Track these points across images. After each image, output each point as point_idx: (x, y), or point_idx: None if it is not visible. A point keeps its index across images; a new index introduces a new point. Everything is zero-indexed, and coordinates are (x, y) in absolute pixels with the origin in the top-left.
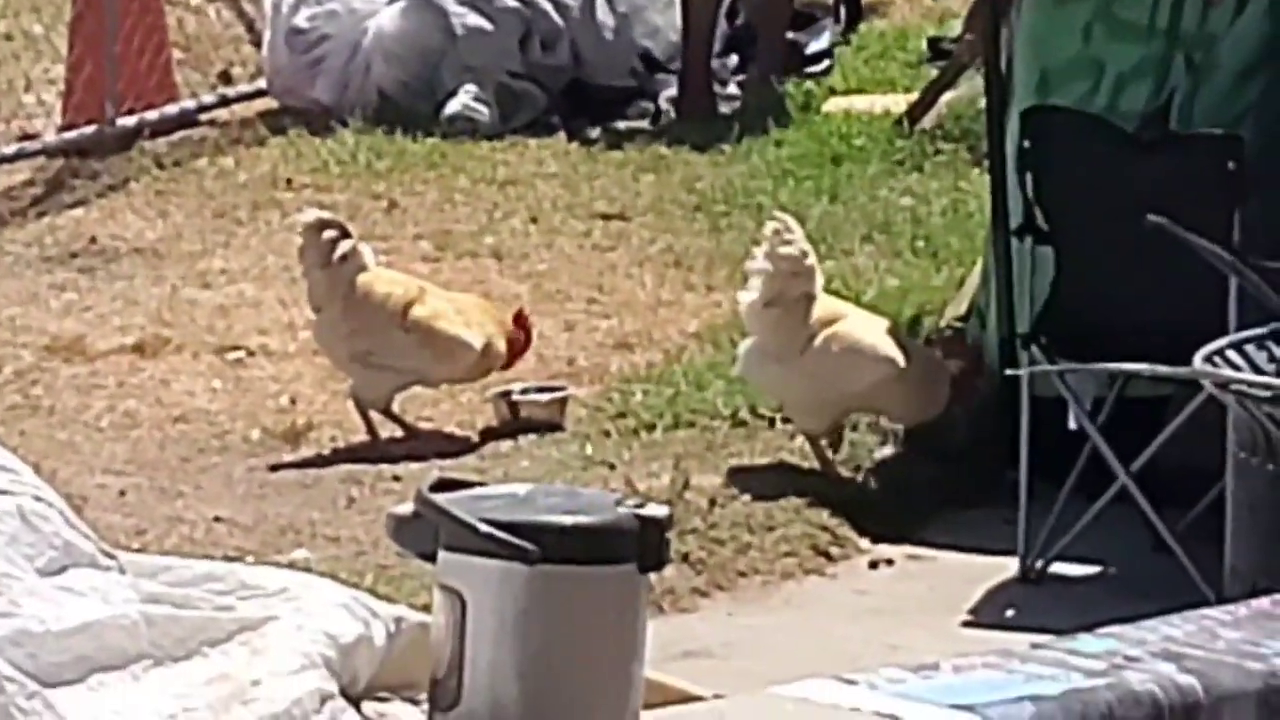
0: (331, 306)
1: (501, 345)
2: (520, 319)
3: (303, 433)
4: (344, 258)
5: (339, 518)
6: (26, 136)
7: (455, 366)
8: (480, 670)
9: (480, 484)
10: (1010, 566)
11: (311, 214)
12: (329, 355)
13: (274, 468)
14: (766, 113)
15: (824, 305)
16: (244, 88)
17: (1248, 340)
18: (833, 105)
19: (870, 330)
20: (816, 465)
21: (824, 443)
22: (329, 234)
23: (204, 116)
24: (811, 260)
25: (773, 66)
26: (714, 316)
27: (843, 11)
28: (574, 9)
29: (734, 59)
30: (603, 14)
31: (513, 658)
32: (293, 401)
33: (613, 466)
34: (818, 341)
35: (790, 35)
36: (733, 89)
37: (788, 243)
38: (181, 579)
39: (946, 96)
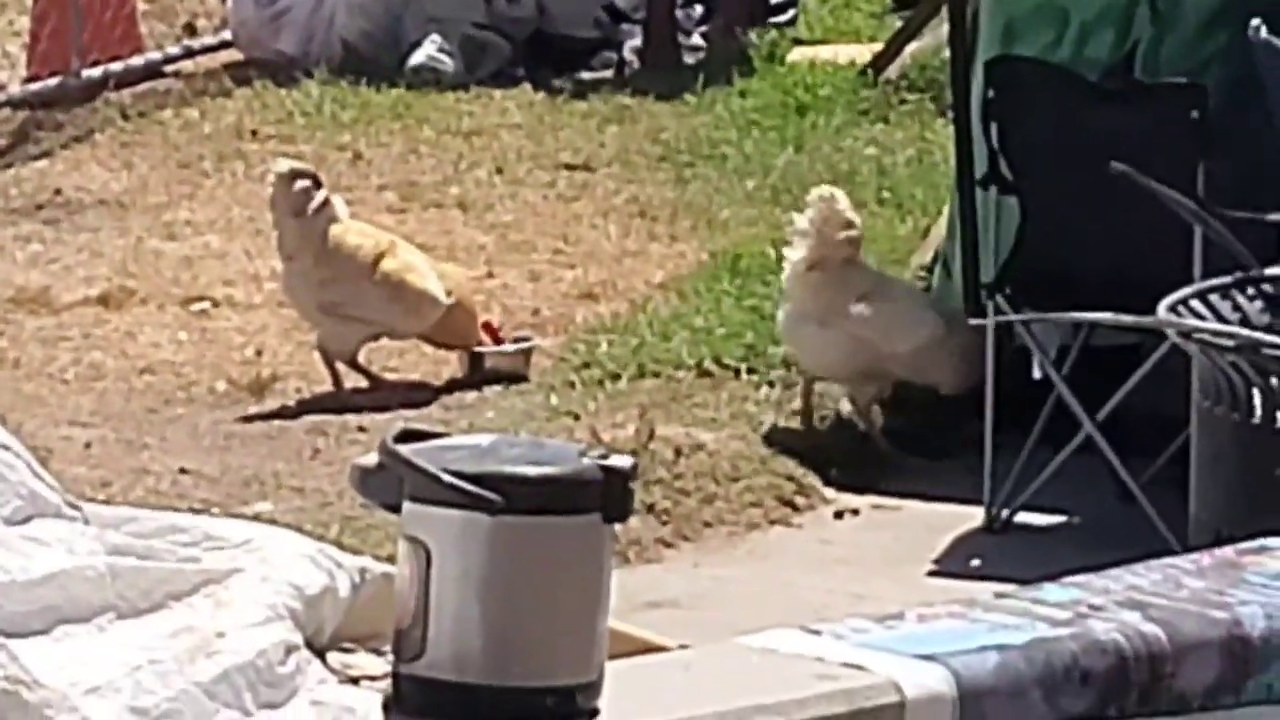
0: (303, 256)
1: (474, 313)
2: (490, 330)
3: (268, 384)
4: (318, 208)
5: (304, 469)
6: None
7: (422, 320)
8: (445, 621)
9: (445, 435)
10: (975, 516)
11: (284, 164)
12: (297, 305)
13: (240, 419)
14: (731, 63)
15: (866, 272)
16: (209, 39)
17: (1212, 289)
18: (797, 55)
19: (912, 298)
20: (775, 416)
21: (873, 409)
22: (301, 184)
23: (169, 68)
24: (858, 227)
25: (737, 16)
26: (679, 267)
27: None
28: None
29: (698, 9)
30: None
31: (477, 608)
32: (258, 353)
33: (577, 417)
34: (859, 308)
35: None
36: (697, 39)
37: (835, 208)
38: (146, 531)
39: (911, 46)
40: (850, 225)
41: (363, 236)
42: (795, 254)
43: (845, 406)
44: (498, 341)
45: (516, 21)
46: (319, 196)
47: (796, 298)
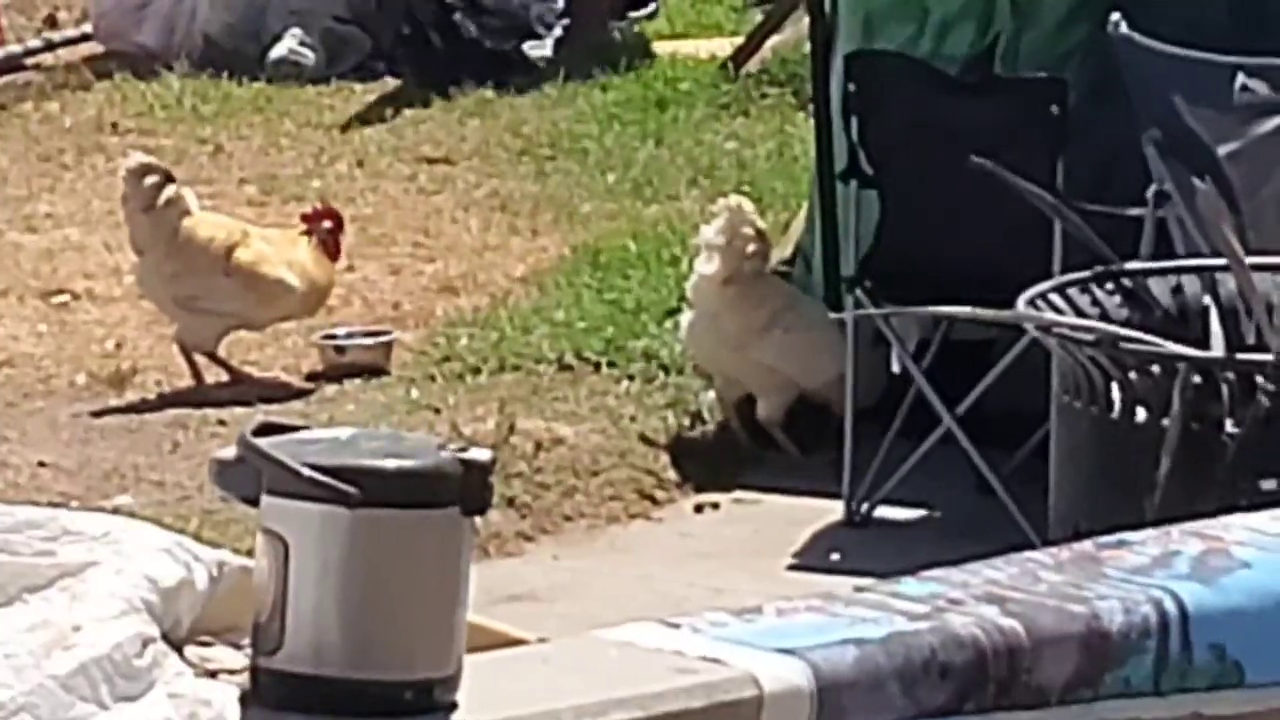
0: (154, 250)
1: (322, 280)
2: (316, 216)
3: (128, 377)
4: (168, 202)
5: (164, 462)
6: None
7: (278, 308)
8: (303, 614)
9: (304, 428)
10: (835, 510)
11: (134, 158)
12: (153, 299)
13: (99, 413)
14: (594, 57)
15: (776, 286)
16: (70, 32)
17: (1071, 284)
18: (659, 49)
19: (824, 324)
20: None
21: (779, 426)
22: (151, 179)
23: (29, 61)
24: (767, 238)
25: (598, 8)
26: (540, 261)
27: None
28: None
29: (559, 3)
30: None
31: (335, 601)
32: (118, 346)
33: (438, 411)
34: (775, 334)
35: None
36: (559, 32)
37: (746, 219)
38: (2, 525)
39: (772, 40)
40: (761, 236)
41: (214, 229)
42: (707, 267)
43: (707, 399)
44: (333, 217)
45: (377, 16)
46: (169, 190)
47: (709, 313)
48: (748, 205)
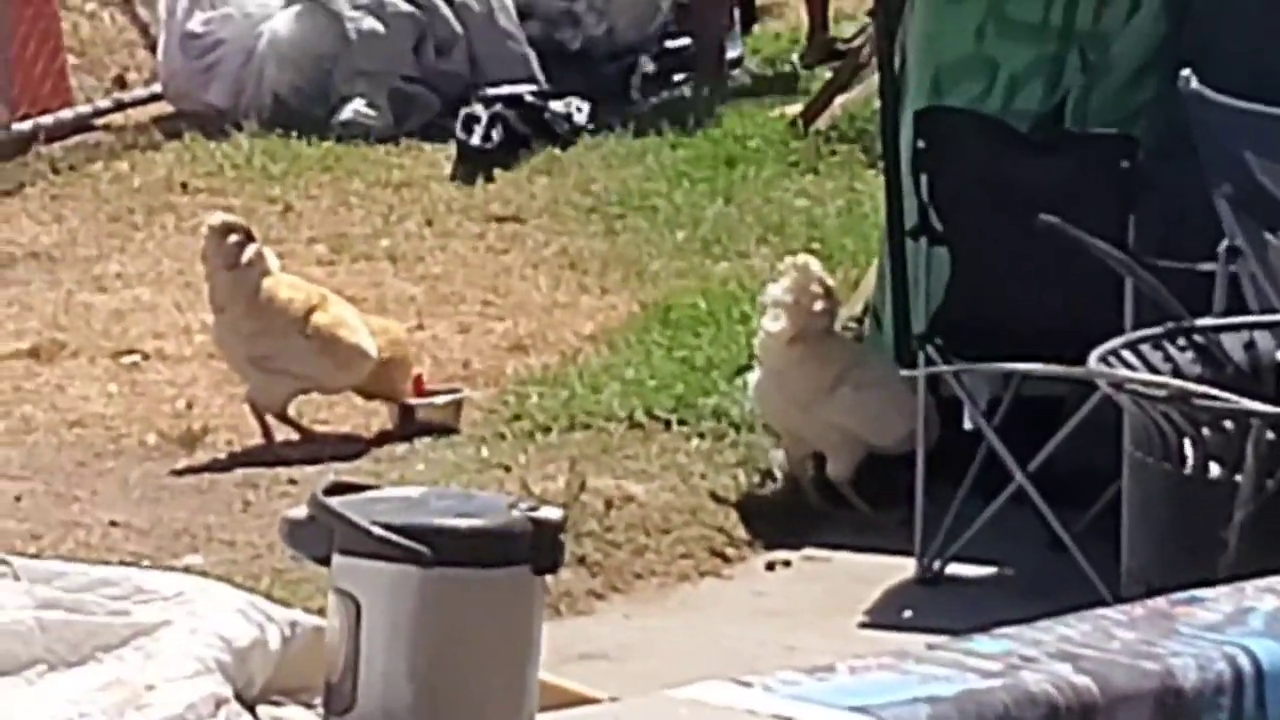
0: (233, 309)
1: (408, 365)
2: (418, 383)
3: (198, 437)
4: (249, 262)
5: (235, 522)
6: None
7: (353, 375)
8: (375, 674)
9: (375, 487)
10: (907, 567)
11: (217, 217)
12: (227, 357)
13: (170, 472)
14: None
15: (843, 344)
16: (139, 92)
17: (1143, 340)
18: (725, 107)
19: (892, 381)
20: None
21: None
22: (234, 237)
23: (99, 121)
24: (835, 295)
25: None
26: (609, 319)
27: (736, 14)
28: (473, 12)
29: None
30: (503, 20)
31: (407, 661)
32: (189, 406)
33: (508, 469)
34: (843, 392)
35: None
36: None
37: (814, 277)
38: (77, 584)
39: (841, 97)
40: (829, 294)
41: (294, 290)
42: (774, 325)
43: (777, 457)
44: (424, 394)
45: (447, 75)
46: (251, 249)
47: (776, 371)
48: (815, 263)
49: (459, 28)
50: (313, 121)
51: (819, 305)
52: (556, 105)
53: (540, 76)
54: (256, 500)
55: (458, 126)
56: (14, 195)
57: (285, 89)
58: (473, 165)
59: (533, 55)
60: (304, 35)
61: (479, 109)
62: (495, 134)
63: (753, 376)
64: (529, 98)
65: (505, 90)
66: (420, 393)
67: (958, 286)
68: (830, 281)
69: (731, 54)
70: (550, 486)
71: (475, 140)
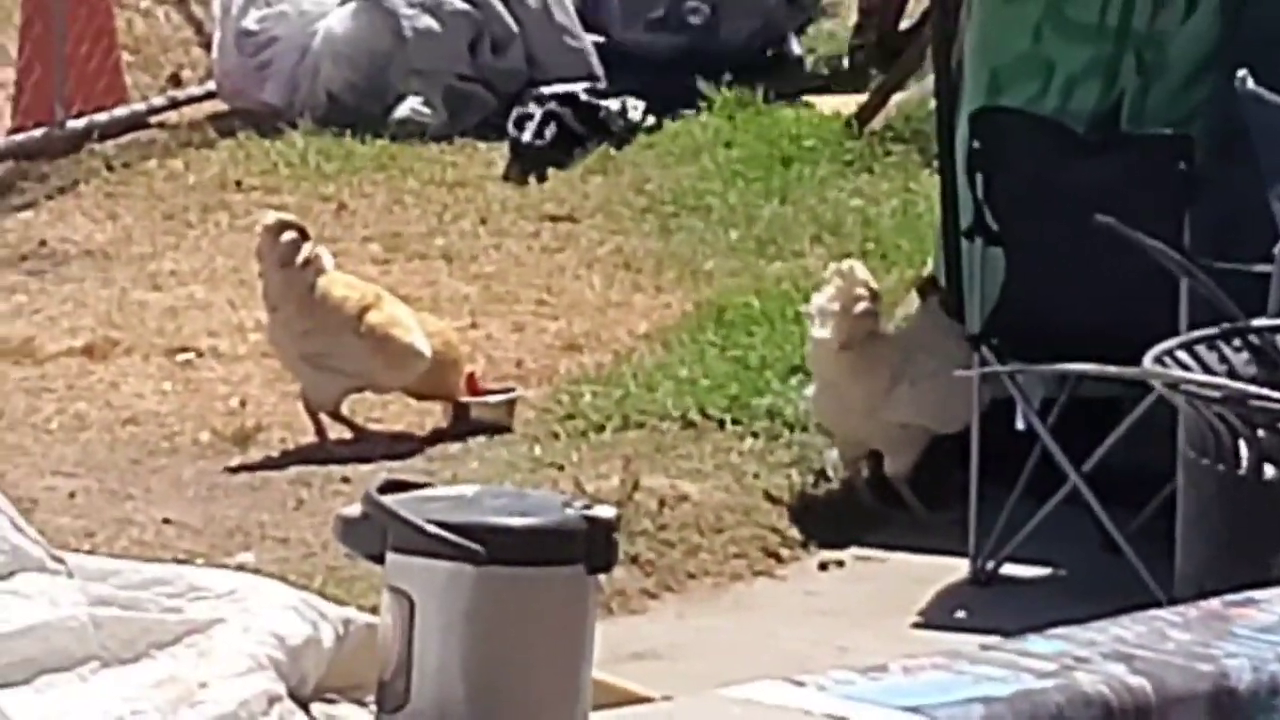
0: (286, 307)
1: (461, 365)
2: (471, 381)
3: (252, 435)
4: (305, 260)
5: (288, 519)
6: None
7: (406, 374)
8: (428, 672)
9: (428, 485)
10: (960, 568)
11: (272, 215)
12: (280, 355)
13: (224, 470)
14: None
15: (892, 343)
16: (193, 90)
17: (1198, 341)
18: (784, 106)
19: (949, 366)
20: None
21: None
22: (289, 235)
23: (153, 119)
24: (880, 297)
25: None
26: (663, 318)
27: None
28: (530, 9)
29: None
30: (560, 17)
31: (460, 659)
32: (242, 403)
33: (561, 468)
34: (900, 390)
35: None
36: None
37: (859, 281)
38: (130, 582)
39: (896, 97)
40: (874, 296)
41: (348, 289)
42: (821, 333)
43: (831, 457)
44: (477, 393)
45: (503, 73)
46: (306, 248)
47: (830, 379)
48: (860, 268)
49: (515, 26)
50: (367, 120)
51: (862, 307)
52: (611, 103)
53: (600, 74)
54: (309, 498)
55: (510, 124)
56: (68, 193)
57: (340, 87)
58: (526, 163)
59: (592, 52)
60: (359, 33)
61: (532, 107)
62: (548, 132)
63: (809, 390)
64: (584, 95)
65: (560, 88)
66: (474, 391)
67: (1013, 287)
68: (874, 284)
69: (798, 51)
70: (604, 485)
71: (527, 137)
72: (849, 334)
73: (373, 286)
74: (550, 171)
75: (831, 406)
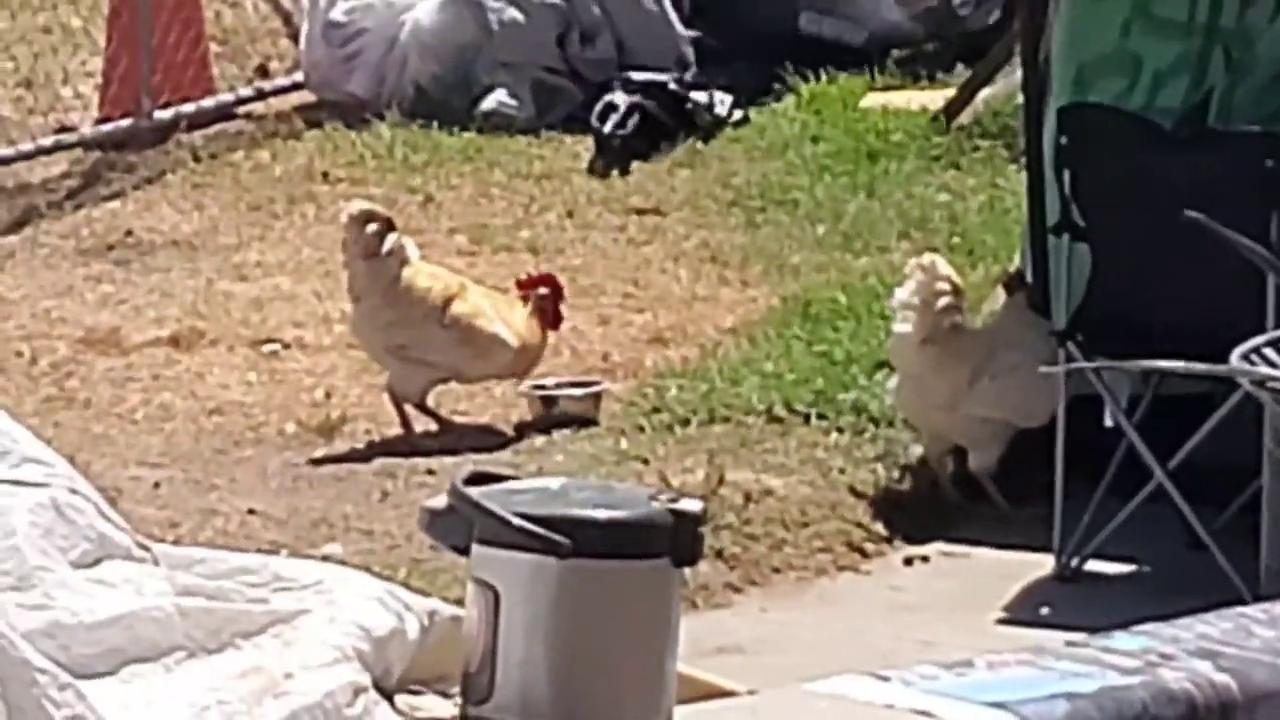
0: (371, 298)
1: (536, 340)
2: (532, 282)
3: (337, 426)
4: (389, 251)
5: (373, 511)
6: (63, 129)
7: (491, 364)
8: (512, 664)
9: (514, 478)
10: (1045, 564)
11: (357, 205)
12: (365, 346)
13: (309, 461)
14: None
15: (975, 337)
16: (280, 81)
17: None
18: (870, 101)
19: (1031, 361)
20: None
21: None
22: (374, 226)
23: (240, 110)
24: (962, 290)
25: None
26: (749, 312)
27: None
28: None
29: None
30: (650, 3)
31: (545, 651)
32: (327, 395)
33: (647, 461)
34: (983, 385)
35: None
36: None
37: (940, 276)
38: (215, 571)
39: (984, 93)
40: (956, 291)
41: (433, 279)
42: (903, 327)
43: (916, 452)
44: (553, 286)
45: (592, 63)
46: (392, 239)
47: (913, 376)
48: (941, 263)
49: (603, 15)
50: (454, 112)
51: (944, 302)
52: (699, 95)
53: (692, 62)
54: (394, 490)
55: (594, 116)
56: (155, 183)
57: (427, 79)
58: (609, 155)
59: (685, 40)
60: (447, 25)
61: (618, 97)
62: (631, 123)
63: (892, 382)
64: (671, 86)
65: (646, 77)
66: (541, 284)
67: (1099, 283)
68: (957, 278)
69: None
70: (689, 479)
71: (608, 128)
72: (930, 328)
73: (457, 276)
74: (636, 164)
75: (913, 401)
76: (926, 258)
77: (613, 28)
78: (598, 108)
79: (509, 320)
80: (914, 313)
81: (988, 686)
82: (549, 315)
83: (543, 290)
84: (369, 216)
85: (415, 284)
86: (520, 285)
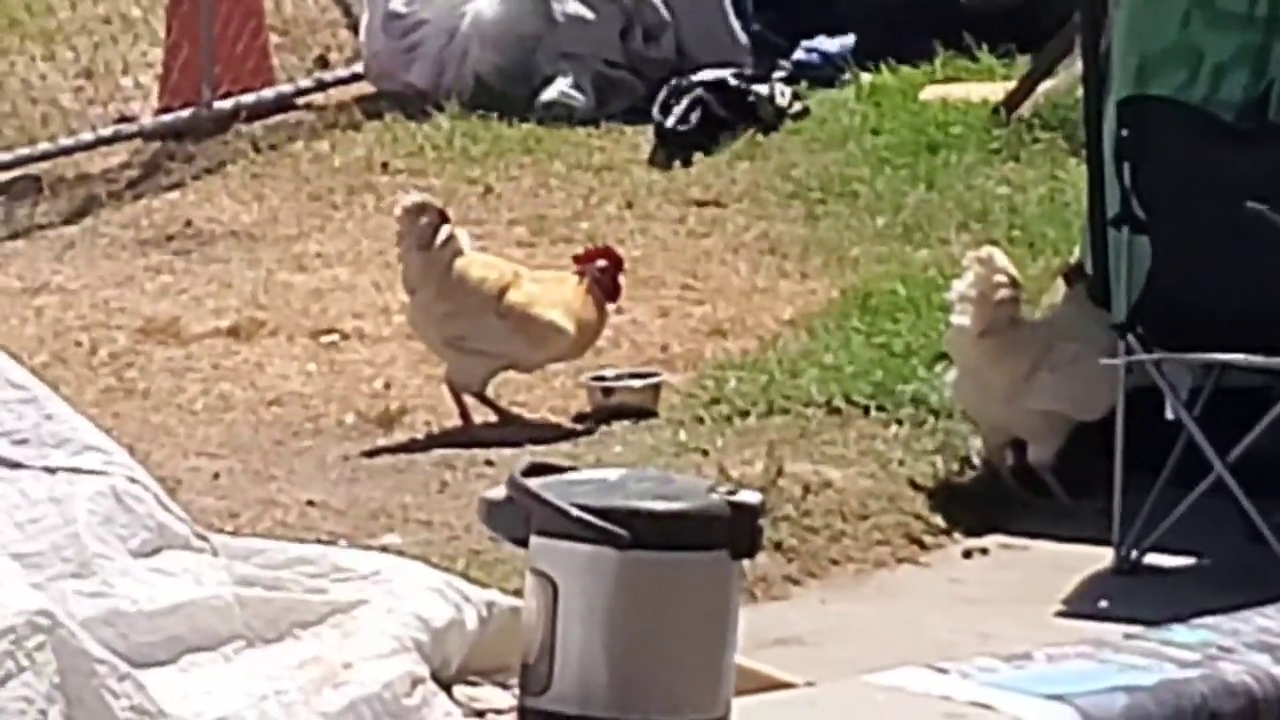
0: (426, 290)
1: (592, 322)
2: (590, 256)
3: (396, 417)
4: (443, 243)
5: (431, 502)
6: (123, 119)
7: (549, 350)
8: (571, 655)
9: (573, 469)
10: (1104, 557)
11: (410, 197)
12: (423, 339)
13: (367, 452)
14: None
15: (1033, 330)
16: (340, 72)
17: None
18: (930, 93)
19: (1090, 353)
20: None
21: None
22: (427, 218)
23: (300, 100)
24: (1020, 284)
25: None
26: (809, 304)
27: None
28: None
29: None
30: (711, 3)
31: (603, 643)
32: (386, 386)
33: (706, 453)
34: (1041, 377)
35: None
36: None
37: (998, 269)
38: (274, 562)
39: (1044, 85)
40: (1013, 284)
41: (486, 269)
42: (960, 320)
43: (975, 444)
44: (611, 258)
45: (653, 62)
46: (444, 231)
47: (970, 367)
48: (999, 255)
49: (667, 14)
50: (514, 103)
51: (1001, 294)
52: (760, 88)
53: (749, 62)
54: (453, 481)
55: (656, 109)
56: (215, 173)
57: (487, 70)
58: (671, 148)
59: (744, 38)
60: (508, 17)
61: (679, 91)
62: (694, 117)
63: (950, 375)
64: (732, 80)
65: (709, 74)
66: (598, 257)
67: (1159, 275)
68: (1014, 271)
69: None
70: (748, 471)
71: (670, 122)
72: (988, 321)
73: (511, 265)
74: (697, 157)
75: (972, 393)
76: (984, 251)
77: (675, 28)
78: (660, 100)
79: (564, 302)
80: (971, 306)
81: (1046, 679)
82: (607, 288)
83: (601, 263)
84: (422, 209)
85: (469, 275)
86: (578, 259)
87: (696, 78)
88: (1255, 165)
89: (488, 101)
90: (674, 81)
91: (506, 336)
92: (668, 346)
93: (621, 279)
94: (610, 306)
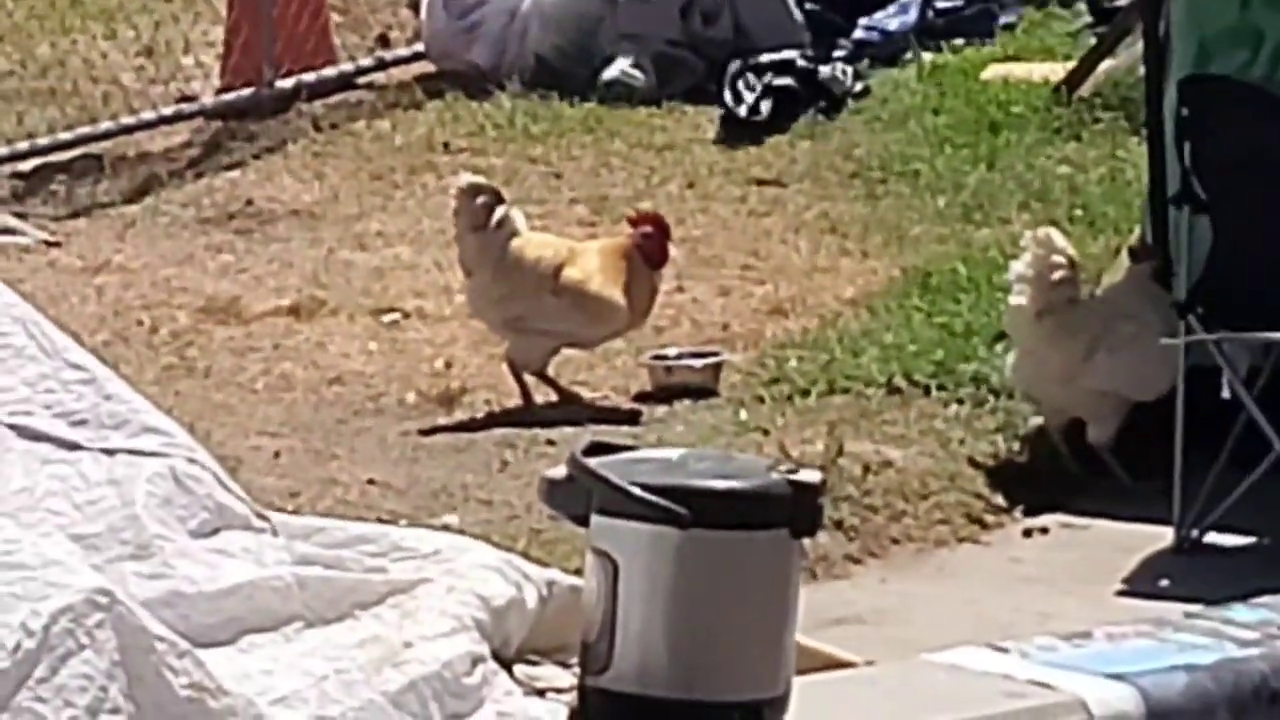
0: (482, 271)
1: (642, 291)
2: (640, 221)
3: (457, 396)
4: (498, 224)
5: (492, 481)
6: (185, 98)
7: (607, 326)
8: (631, 634)
9: (633, 448)
10: (1164, 536)
11: (465, 178)
12: (482, 320)
13: (428, 431)
14: None
15: (1091, 309)
16: (401, 51)
17: None
18: (991, 73)
19: (1144, 336)
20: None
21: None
22: (482, 199)
23: (361, 79)
24: (1078, 264)
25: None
26: (869, 283)
27: None
28: None
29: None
30: None
31: (664, 621)
32: (447, 365)
33: (766, 432)
34: (1099, 358)
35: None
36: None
37: (1056, 249)
38: (334, 541)
39: (1105, 65)
40: (1071, 264)
41: (541, 248)
42: (1018, 300)
43: (1036, 424)
44: (656, 223)
45: (712, 42)
46: (500, 211)
47: (1028, 347)
48: (1057, 236)
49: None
50: (575, 82)
51: (1059, 274)
52: (824, 69)
53: (807, 42)
54: (514, 460)
55: (726, 95)
56: (276, 152)
57: (548, 49)
58: (738, 131)
59: (800, 19)
60: None
61: (748, 76)
62: (765, 105)
63: (1010, 356)
64: (800, 62)
65: (774, 56)
66: (645, 222)
67: (1219, 255)
68: (1072, 252)
69: (1007, 19)
70: (809, 450)
71: (743, 111)
72: (1046, 301)
73: (565, 242)
74: (758, 136)
75: (1030, 373)
76: (1042, 231)
77: (733, 7)
78: (727, 85)
79: (617, 273)
80: (1029, 286)
81: (1106, 658)
82: (651, 254)
83: (646, 229)
84: (477, 190)
85: (525, 255)
86: (631, 221)
87: (763, 59)
88: None
89: (548, 81)
90: (737, 64)
91: (564, 314)
92: (728, 325)
93: (671, 247)
94: (660, 272)
